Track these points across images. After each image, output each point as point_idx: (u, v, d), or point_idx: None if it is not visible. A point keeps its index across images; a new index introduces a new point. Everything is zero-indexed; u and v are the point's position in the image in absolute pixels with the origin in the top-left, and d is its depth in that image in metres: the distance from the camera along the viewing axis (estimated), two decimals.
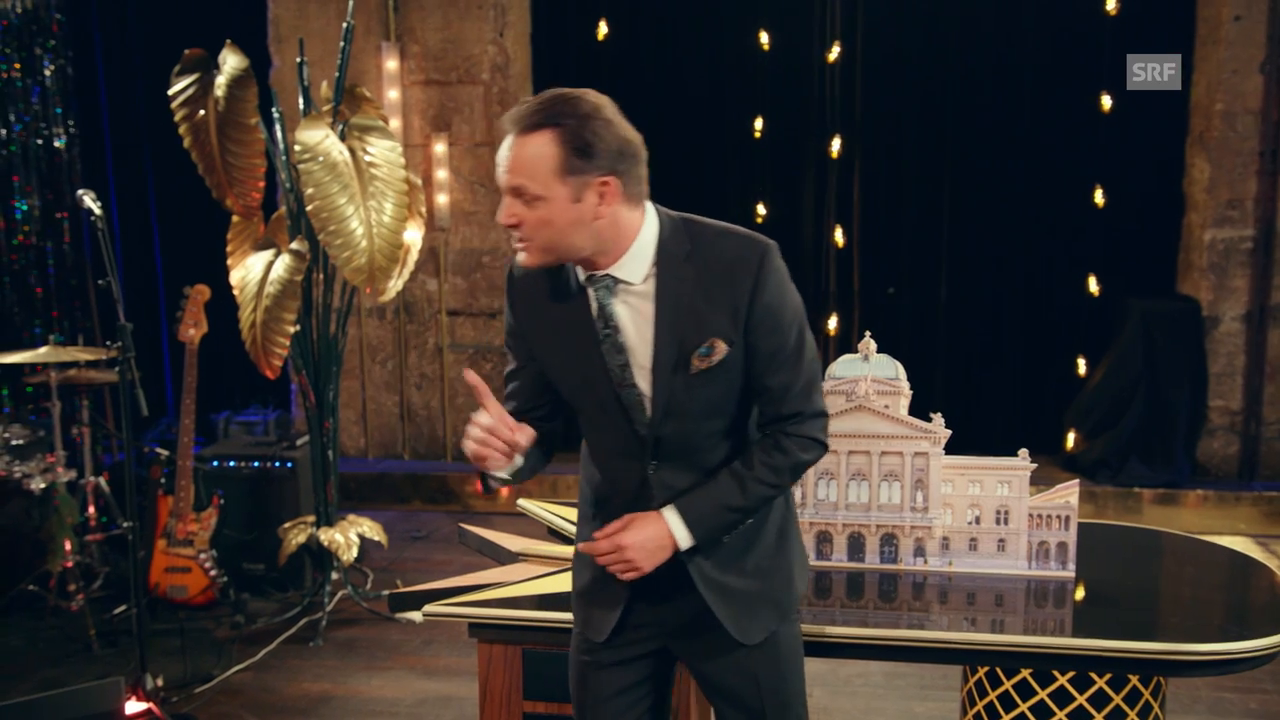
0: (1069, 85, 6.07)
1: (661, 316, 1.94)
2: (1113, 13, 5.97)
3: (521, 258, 1.95)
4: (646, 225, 1.96)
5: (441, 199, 6.20)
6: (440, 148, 6.17)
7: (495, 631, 2.54)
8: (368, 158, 4.36)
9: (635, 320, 1.96)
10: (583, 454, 2.18)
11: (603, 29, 6.32)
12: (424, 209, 4.79)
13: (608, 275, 1.95)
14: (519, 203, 1.88)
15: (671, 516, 1.98)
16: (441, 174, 6.19)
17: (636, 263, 1.94)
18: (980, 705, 2.69)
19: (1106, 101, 6.01)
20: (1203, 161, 5.85)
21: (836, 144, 6.25)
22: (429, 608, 2.58)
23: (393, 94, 6.12)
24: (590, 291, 1.97)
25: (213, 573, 4.54)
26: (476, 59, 6.14)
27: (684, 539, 1.98)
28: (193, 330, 4.58)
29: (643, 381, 1.97)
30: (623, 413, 2.00)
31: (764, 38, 6.22)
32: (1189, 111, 6.01)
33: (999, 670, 2.62)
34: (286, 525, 4.71)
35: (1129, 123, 6.02)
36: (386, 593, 3.68)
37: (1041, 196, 6.15)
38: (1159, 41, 5.97)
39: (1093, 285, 6.18)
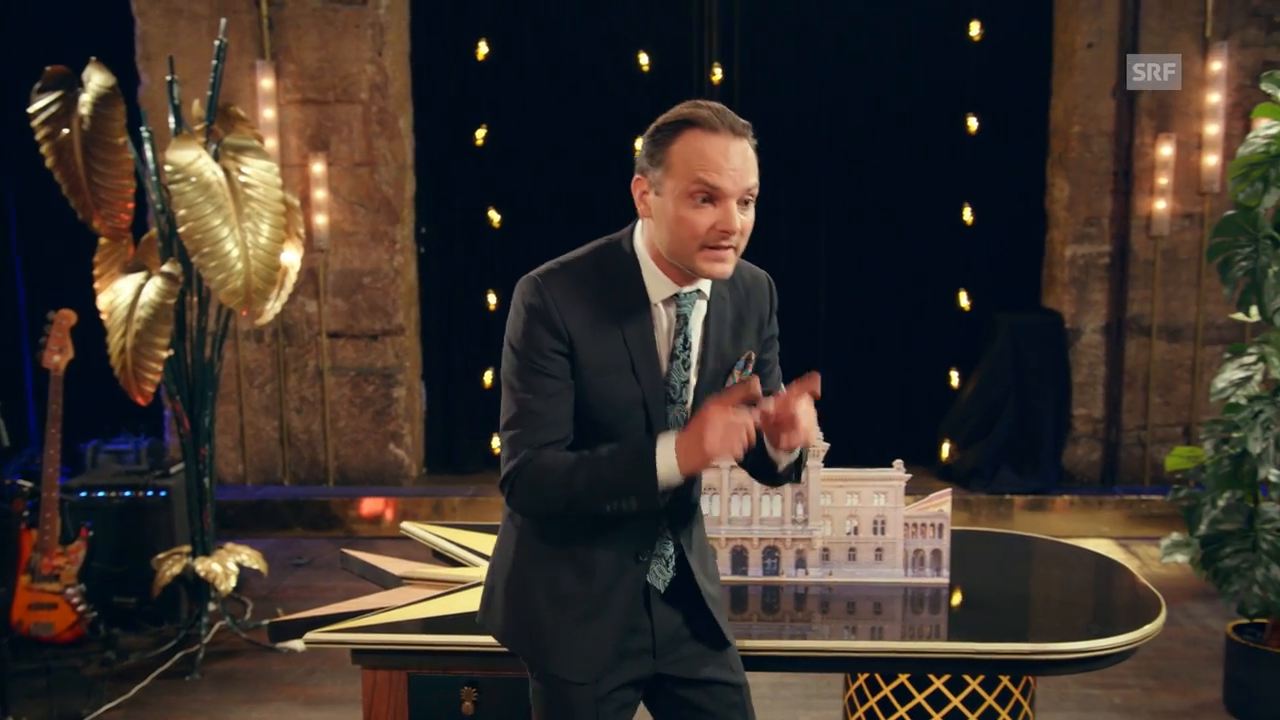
0: (938, 107, 6.30)
1: (711, 332, 1.98)
2: (976, 39, 6.22)
3: (722, 269, 1.88)
4: None
5: (320, 220, 6.10)
6: (318, 168, 6.07)
7: (379, 657, 2.51)
8: (243, 178, 4.27)
9: (696, 336, 1.99)
10: None
11: (483, 49, 6.32)
12: (302, 230, 4.71)
13: (696, 290, 1.96)
14: (741, 208, 1.87)
15: None
16: (320, 194, 6.09)
17: (706, 279, 1.97)
18: (861, 711, 2.76)
19: (973, 123, 6.25)
20: (1063, 181, 6.12)
21: None
22: (311, 635, 2.53)
23: (268, 113, 6.00)
24: (663, 307, 1.95)
25: (80, 608, 4.36)
26: (354, 78, 6.07)
27: None
28: (57, 357, 4.41)
29: (690, 398, 1.99)
30: (664, 429, 1.94)
31: (643, 59, 6.30)
32: (1049, 133, 6.29)
33: (878, 676, 2.69)
34: (160, 556, 4.56)
35: (994, 144, 6.28)
36: (267, 622, 3.59)
37: (914, 215, 6.36)
38: (1020, 67, 6.25)
39: (963, 300, 6.41)
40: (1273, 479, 3.50)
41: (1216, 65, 5.78)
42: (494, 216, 6.45)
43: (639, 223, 1.98)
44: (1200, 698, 3.98)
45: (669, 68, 6.32)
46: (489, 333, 6.53)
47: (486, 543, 3.13)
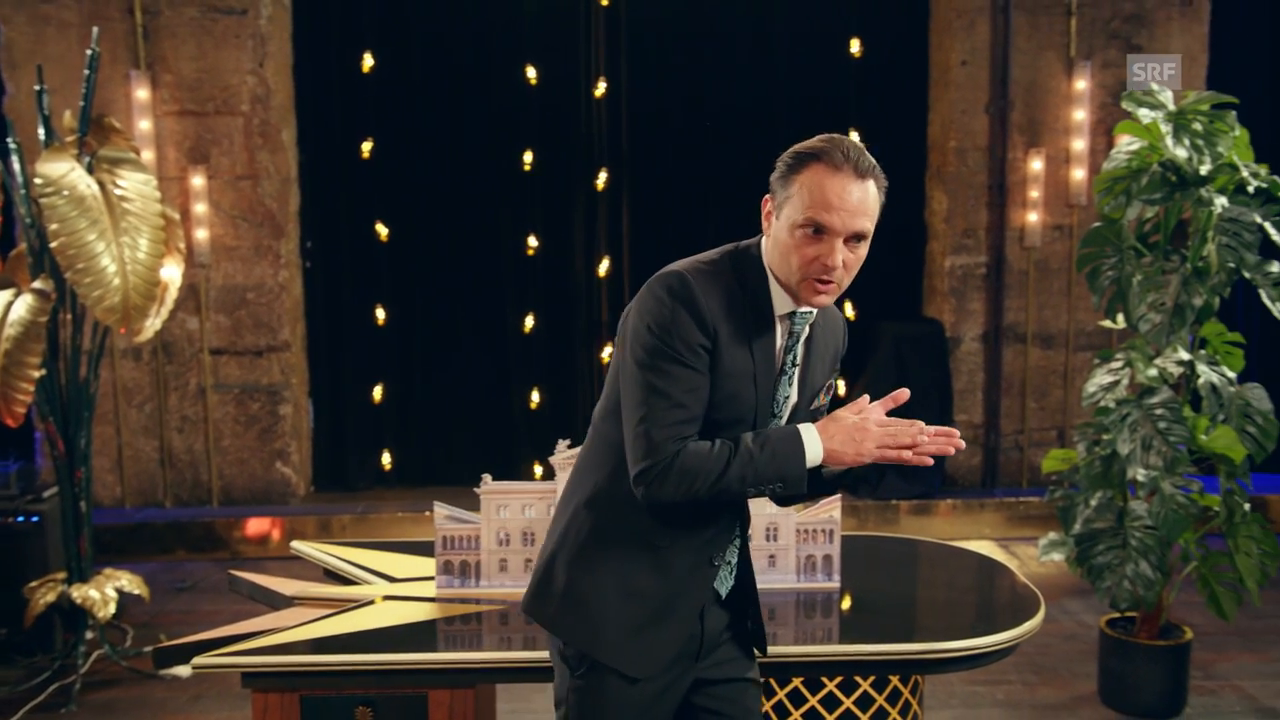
0: (820, 122, 6.36)
1: (811, 355, 2.07)
2: (857, 56, 6.39)
3: (820, 300, 1.95)
4: None
5: (201, 234, 5.94)
6: (198, 180, 5.92)
7: (270, 679, 2.46)
8: (119, 191, 4.14)
9: (802, 356, 2.07)
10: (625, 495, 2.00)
11: (368, 61, 6.25)
12: (182, 244, 4.59)
13: (809, 310, 2.01)
14: (847, 246, 1.92)
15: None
16: (200, 208, 5.93)
17: None
18: None
19: (854, 138, 6.39)
20: (941, 194, 6.32)
21: (604, 177, 6.40)
22: (197, 660, 2.47)
23: (144, 124, 5.83)
24: (782, 323, 2.01)
25: None
26: (235, 89, 5.94)
27: None
28: None
29: (786, 415, 2.07)
30: None
31: (531, 72, 6.30)
32: (927, 148, 6.49)
33: (772, 681, 2.73)
34: (33, 584, 4.37)
35: (875, 158, 6.42)
36: (150, 648, 3.47)
37: None
38: (899, 84, 6.44)
39: (849, 310, 6.55)
40: (1140, 478, 3.66)
41: (1081, 84, 6.04)
42: (382, 230, 6.37)
43: (764, 237, 2.03)
44: (1077, 690, 4.14)
45: (556, 81, 6.34)
46: (378, 348, 6.45)
47: (380, 560, 3.11)
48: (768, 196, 2.00)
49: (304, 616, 2.71)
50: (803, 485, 1.94)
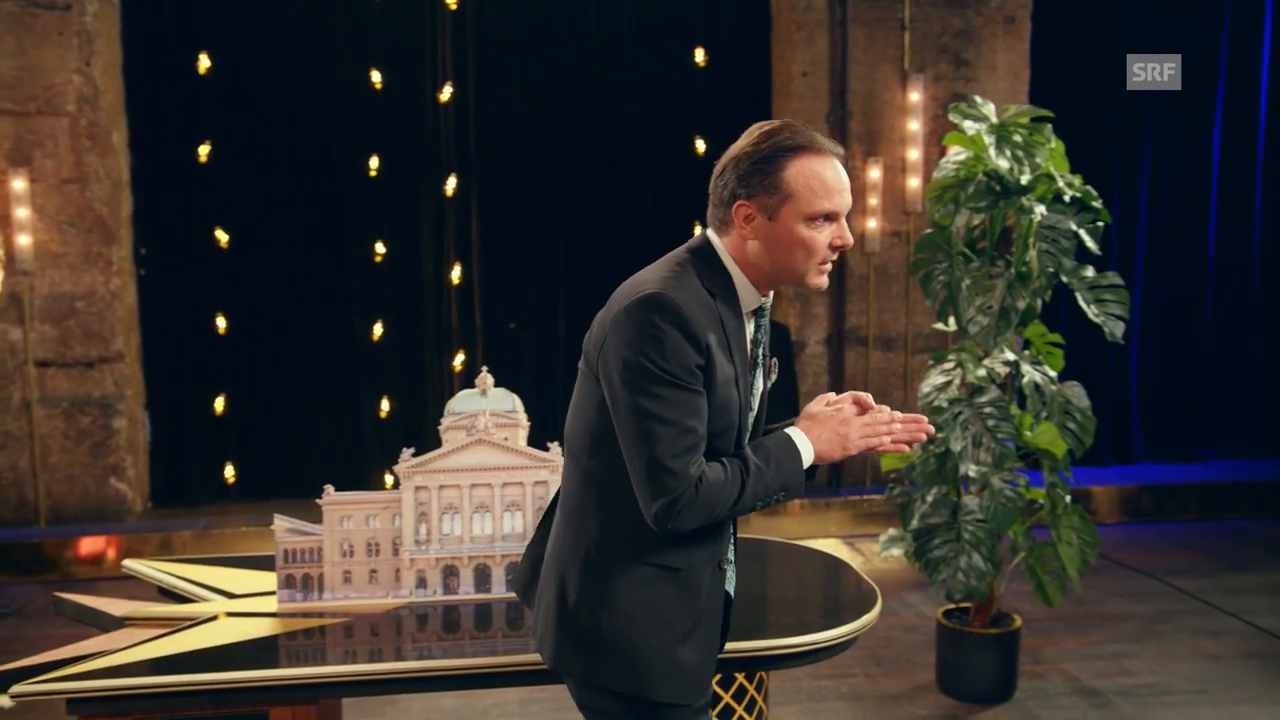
0: (668, 129, 6.54)
1: (759, 340, 2.06)
2: (702, 65, 6.51)
3: (826, 281, 2.00)
4: None
5: (23, 240, 5.65)
6: (19, 184, 5.63)
7: (100, 704, 2.35)
8: None
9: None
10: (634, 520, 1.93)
11: (204, 62, 6.06)
12: (2, 251, 4.36)
13: (768, 300, 2.04)
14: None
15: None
16: (22, 212, 5.64)
17: None
18: None
19: (700, 145, 6.52)
20: None
21: (452, 183, 6.35)
22: (17, 688, 2.35)
23: None
24: (749, 320, 2.01)
25: None
26: (59, 89, 5.67)
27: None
28: None
29: (757, 402, 2.07)
30: (739, 439, 1.99)
31: (376, 77, 6.21)
32: None
33: None
34: None
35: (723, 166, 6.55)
36: None
37: (648, 231, 6.57)
38: (743, 93, 6.58)
39: None
40: (972, 474, 3.82)
41: (914, 96, 6.28)
42: (222, 237, 6.18)
43: (713, 237, 2.00)
44: (917, 680, 4.30)
45: (402, 85, 6.27)
46: (219, 358, 6.24)
47: (218, 576, 3.01)
48: (744, 203, 1.93)
49: (136, 638, 2.61)
50: (801, 490, 1.99)
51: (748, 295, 1.98)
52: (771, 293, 2.04)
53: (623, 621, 1.95)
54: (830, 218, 1.94)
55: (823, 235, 1.94)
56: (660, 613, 1.96)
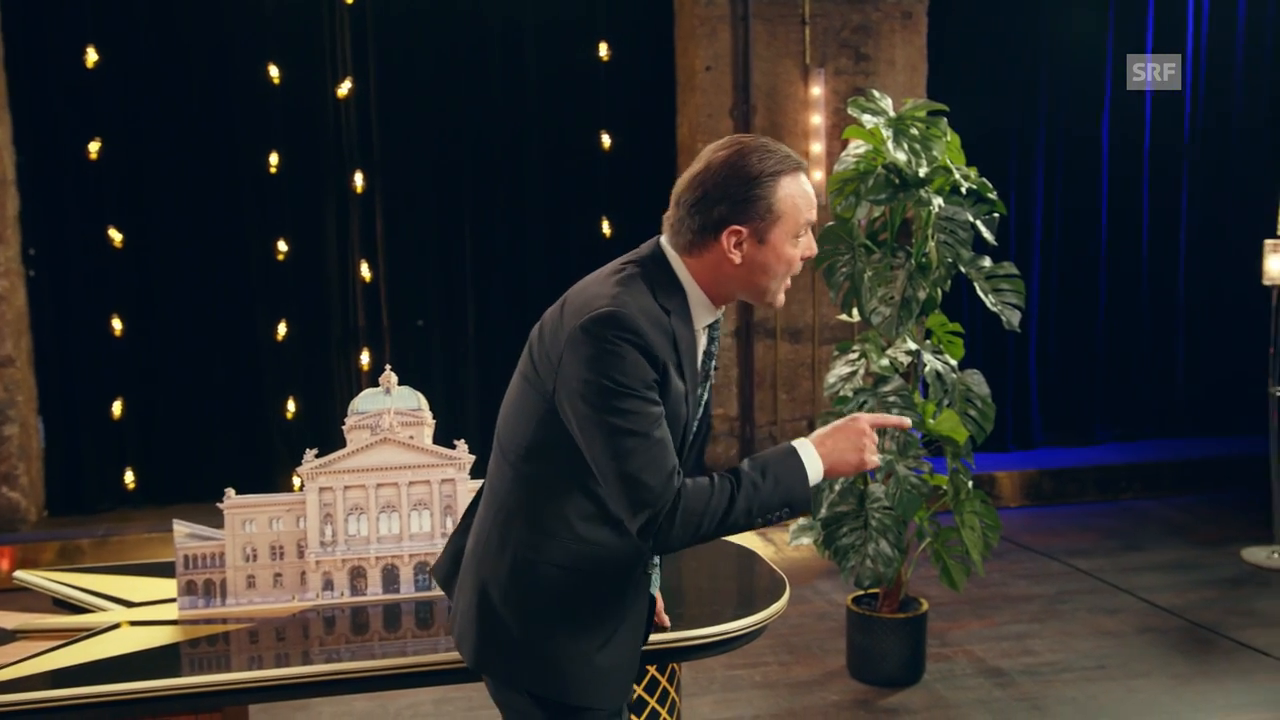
0: (573, 124, 6.53)
1: (707, 353, 2.07)
2: (605, 59, 6.51)
3: (783, 299, 2.02)
4: None
5: None
6: None
7: None
8: None
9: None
10: (581, 515, 1.95)
11: (92, 56, 5.86)
12: None
13: (720, 313, 2.05)
14: None
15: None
16: None
17: None
18: None
19: (606, 140, 6.53)
20: None
21: (359, 179, 6.26)
22: None
23: None
24: (702, 332, 2.02)
25: None
26: None
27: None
28: None
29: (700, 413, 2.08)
30: (680, 450, 1.97)
31: (274, 71, 6.09)
32: (677, 150, 6.68)
33: None
34: None
35: (627, 160, 6.59)
36: None
37: (556, 226, 6.56)
38: (648, 88, 6.60)
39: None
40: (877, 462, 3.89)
41: (816, 90, 6.37)
42: (115, 236, 6.00)
43: (669, 251, 1.97)
44: (828, 666, 4.37)
45: (300, 80, 6.15)
46: (115, 360, 6.06)
47: (116, 584, 2.93)
48: (735, 228, 1.91)
49: (27, 651, 2.52)
50: (809, 505, 1.94)
51: (700, 310, 1.99)
52: (778, 306, 2.06)
53: (543, 627, 1.96)
54: (805, 231, 1.98)
55: (797, 250, 1.98)
56: (582, 620, 1.97)
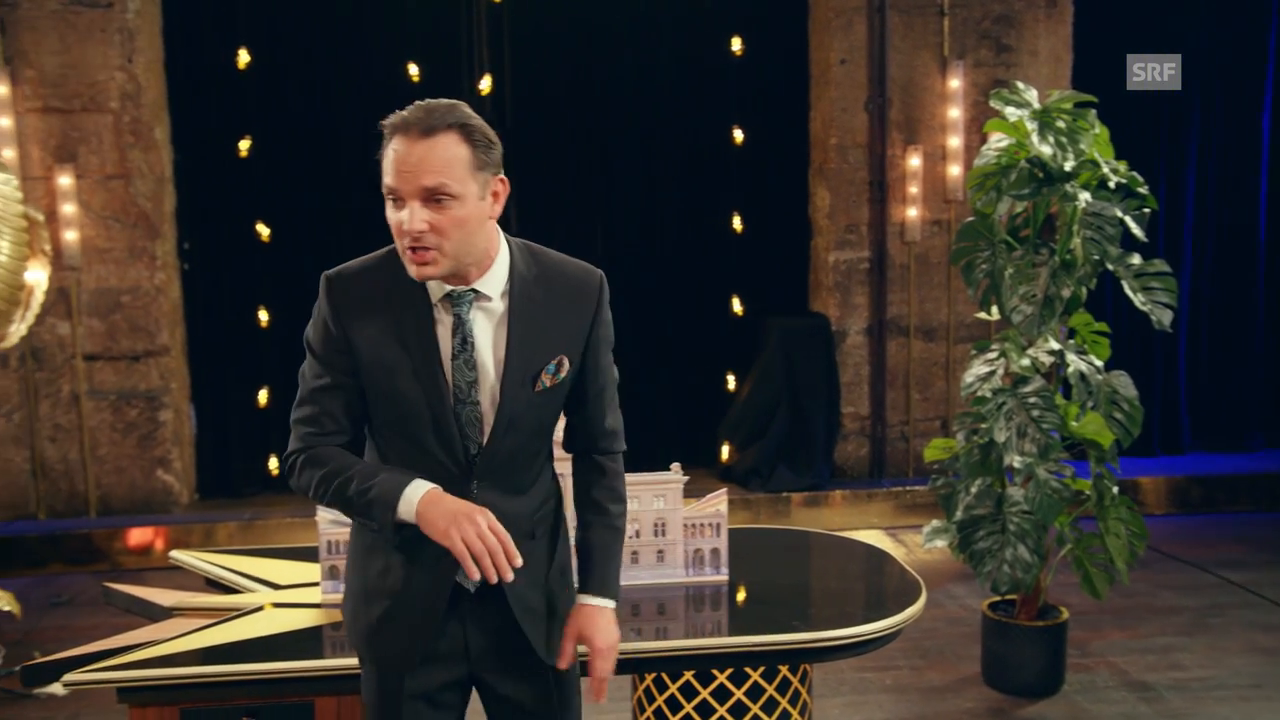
0: (706, 119, 6.51)
1: (514, 333, 1.97)
2: (739, 54, 6.47)
3: (421, 270, 1.89)
4: (502, 244, 2.00)
5: (70, 235, 5.73)
6: (65, 180, 5.70)
7: (148, 694, 2.38)
8: None
9: (488, 337, 1.98)
10: None
11: (244, 58, 6.10)
12: (49, 246, 4.42)
13: (471, 289, 1.95)
14: (430, 207, 1.85)
15: (607, 604, 2.10)
16: (69, 208, 5.72)
17: (496, 279, 1.98)
18: (650, 710, 2.81)
19: (739, 135, 6.49)
20: (823, 190, 6.43)
21: None
22: (69, 676, 2.38)
23: (4, 122, 5.59)
24: (443, 306, 1.95)
25: None
26: (103, 86, 5.73)
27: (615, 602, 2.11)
28: None
29: (485, 399, 1.97)
30: (456, 431, 1.96)
31: (414, 69, 6.23)
32: (809, 145, 6.60)
33: (664, 675, 2.75)
34: None
35: (759, 155, 6.54)
36: (20, 667, 3.33)
37: (687, 223, 6.55)
38: (780, 82, 6.54)
39: (736, 305, 6.64)
40: (1016, 465, 3.78)
41: (955, 82, 6.21)
42: (263, 230, 6.23)
43: None
44: (962, 672, 4.26)
45: (439, 78, 6.27)
46: (261, 350, 6.30)
47: (263, 567, 3.04)
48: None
49: (183, 628, 2.64)
50: (379, 527, 1.90)
51: (435, 283, 1.94)
52: (485, 280, 1.95)
53: (350, 581, 2.12)
54: (398, 199, 1.88)
55: (394, 217, 1.89)
56: (369, 584, 2.04)
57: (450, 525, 1.84)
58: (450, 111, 1.88)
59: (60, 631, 4.82)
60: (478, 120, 1.91)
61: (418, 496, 1.87)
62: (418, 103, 1.91)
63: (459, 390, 1.96)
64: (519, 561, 1.87)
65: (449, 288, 1.94)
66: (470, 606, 2.04)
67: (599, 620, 2.07)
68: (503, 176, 1.94)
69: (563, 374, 2.02)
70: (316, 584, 2.85)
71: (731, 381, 6.70)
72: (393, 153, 1.88)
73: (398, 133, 1.88)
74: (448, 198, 1.85)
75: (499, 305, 1.98)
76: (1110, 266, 3.80)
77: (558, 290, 2.03)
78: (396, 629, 2.02)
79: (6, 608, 4.34)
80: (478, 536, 1.83)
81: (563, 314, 2.03)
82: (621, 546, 2.16)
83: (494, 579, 1.86)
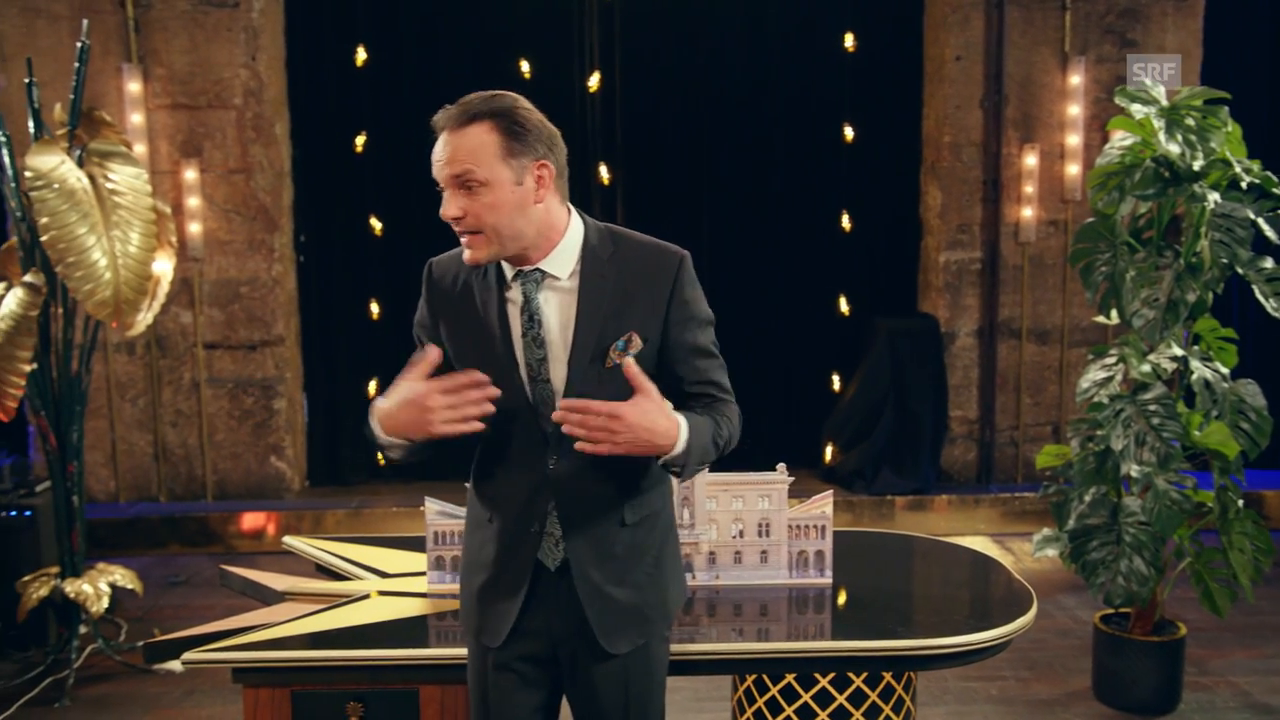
0: (815, 116, 6.43)
1: (583, 311, 2.02)
2: (851, 50, 6.38)
3: (469, 255, 1.99)
4: (573, 224, 2.06)
5: (194, 228, 5.93)
6: (191, 174, 5.90)
7: (261, 675, 2.45)
8: (110, 185, 4.12)
9: (557, 315, 2.03)
10: (476, 459, 2.19)
11: (361, 54, 6.23)
12: (175, 238, 4.57)
13: (537, 269, 2.02)
14: (462, 194, 1.95)
15: (678, 418, 1.97)
16: (193, 201, 5.92)
17: (564, 259, 2.03)
18: (750, 711, 2.79)
19: (849, 132, 6.40)
20: (935, 189, 6.31)
21: (604, 171, 6.39)
22: (188, 655, 2.46)
23: (136, 118, 5.81)
24: (516, 286, 2.03)
25: None
26: (228, 83, 5.92)
27: (680, 445, 1.96)
28: None
29: (557, 376, 2.03)
30: (530, 409, 2.04)
31: (525, 66, 6.29)
32: (922, 143, 6.48)
33: (765, 677, 2.73)
34: (26, 578, 4.37)
35: (870, 153, 6.44)
36: (142, 643, 3.46)
37: (795, 221, 6.48)
38: (893, 78, 6.43)
39: (843, 305, 6.55)
40: (1134, 474, 3.65)
41: (1075, 79, 6.03)
42: (376, 225, 6.36)
43: None
44: (1071, 686, 4.14)
45: (550, 75, 6.32)
46: (371, 342, 6.43)
47: (371, 555, 3.10)
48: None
49: (295, 612, 2.70)
50: (381, 448, 2.09)
51: (507, 264, 2.05)
52: (551, 260, 2.03)
53: (462, 557, 2.24)
54: (439, 187, 2.00)
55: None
56: (472, 556, 2.16)
57: (394, 429, 2.03)
58: (486, 102, 1.99)
59: (178, 610, 5.00)
60: (520, 109, 2.00)
61: (376, 414, 2.04)
62: (464, 99, 2.02)
63: (530, 367, 2.03)
64: (490, 387, 1.95)
65: (517, 268, 2.02)
66: (549, 584, 2.07)
67: (657, 406, 1.95)
68: (543, 161, 1.99)
69: (632, 350, 2.02)
70: (423, 574, 2.90)
71: (837, 382, 6.62)
72: (436, 146, 2.00)
73: (438, 127, 2.01)
74: (477, 184, 1.94)
75: (569, 284, 2.03)
76: (1240, 270, 3.65)
77: (633, 269, 2.06)
78: (488, 601, 2.11)
79: (129, 586, 4.51)
80: (444, 407, 1.94)
81: (637, 292, 2.05)
82: (716, 439, 2.06)
83: (484, 410, 1.94)
